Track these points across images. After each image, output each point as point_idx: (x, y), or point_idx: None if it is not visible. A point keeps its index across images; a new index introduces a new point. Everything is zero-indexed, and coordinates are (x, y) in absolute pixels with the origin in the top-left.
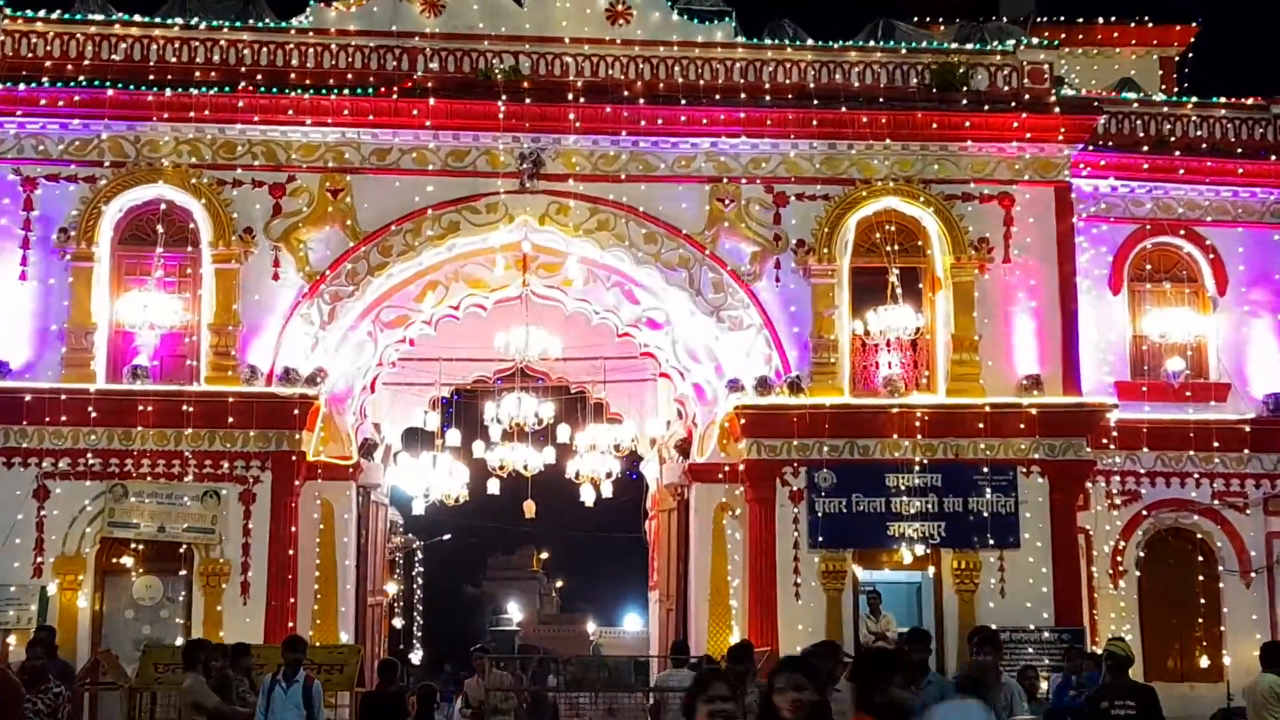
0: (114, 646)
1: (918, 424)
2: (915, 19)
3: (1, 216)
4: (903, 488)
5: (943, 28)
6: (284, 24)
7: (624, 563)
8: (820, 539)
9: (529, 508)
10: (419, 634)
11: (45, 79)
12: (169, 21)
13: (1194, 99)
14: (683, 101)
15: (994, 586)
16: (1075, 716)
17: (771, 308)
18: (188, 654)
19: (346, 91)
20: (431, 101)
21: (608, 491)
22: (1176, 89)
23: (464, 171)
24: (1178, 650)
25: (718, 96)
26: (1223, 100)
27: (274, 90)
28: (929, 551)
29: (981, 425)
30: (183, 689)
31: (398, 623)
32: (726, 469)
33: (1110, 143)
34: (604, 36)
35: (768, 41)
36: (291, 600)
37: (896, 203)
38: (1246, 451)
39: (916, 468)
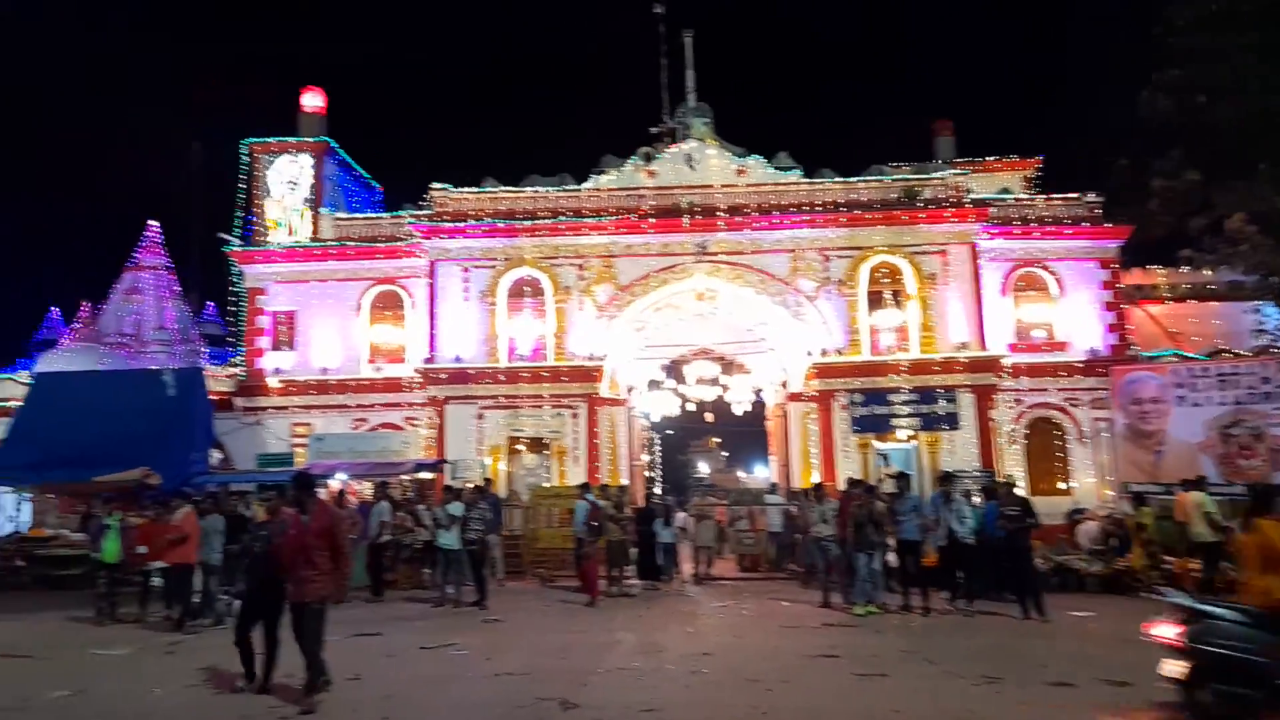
0: (517, 489)
1: (904, 368)
2: (890, 163)
3: (458, 285)
4: (897, 401)
5: (905, 166)
6: (579, 187)
7: (754, 441)
8: (856, 428)
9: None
10: (659, 480)
11: (469, 219)
12: (525, 189)
13: (1041, 195)
14: (774, 212)
15: (947, 449)
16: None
17: (825, 313)
18: (581, 487)
19: (612, 217)
20: (652, 219)
21: (746, 407)
22: (1031, 190)
23: (667, 253)
24: (1046, 480)
25: (792, 208)
26: (1055, 195)
27: (576, 218)
28: (913, 433)
29: (937, 367)
30: (576, 506)
31: (648, 474)
32: (806, 394)
33: (997, 219)
34: (735, 183)
35: (817, 180)
36: (596, 464)
37: (887, 257)
38: (1078, 376)
39: (905, 390)
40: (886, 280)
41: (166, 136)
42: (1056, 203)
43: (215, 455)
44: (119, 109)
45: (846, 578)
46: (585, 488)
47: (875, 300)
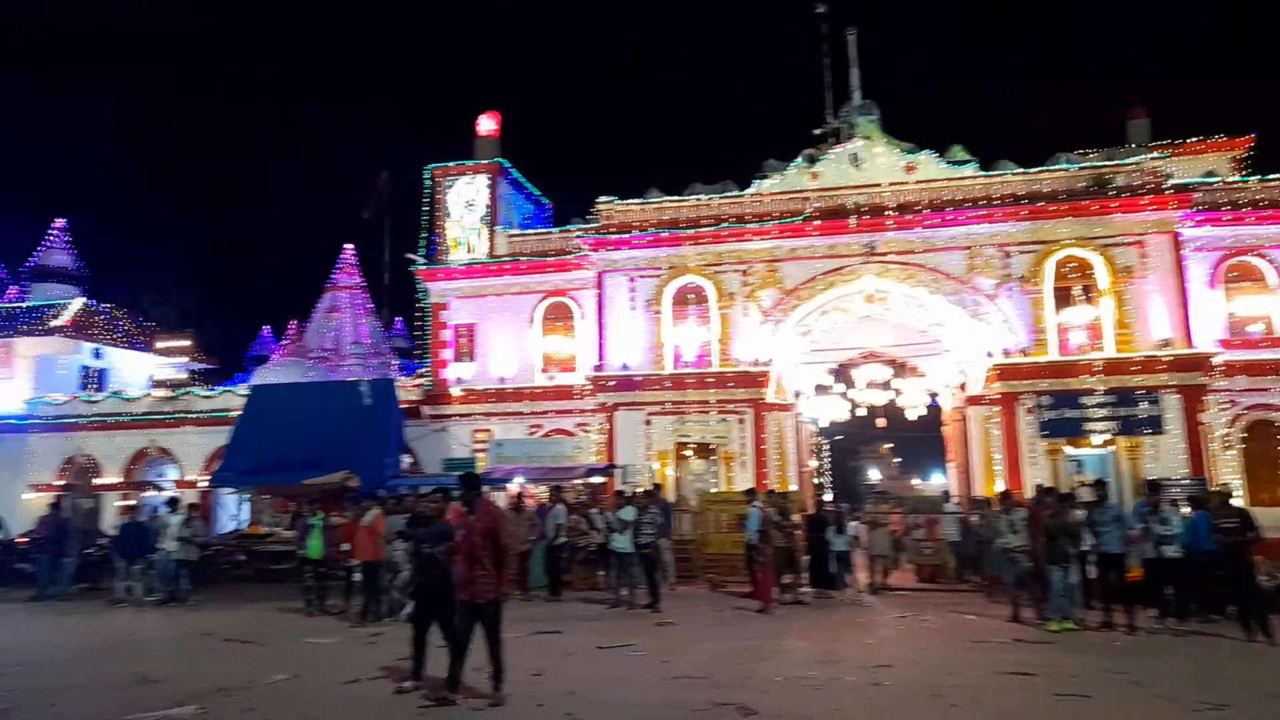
0: (685, 494)
1: (1097, 368)
2: (1076, 150)
3: (624, 295)
4: (1090, 403)
5: (1093, 154)
6: (741, 192)
7: (929, 447)
8: (1044, 433)
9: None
10: (829, 486)
11: (634, 230)
12: (688, 198)
13: (1255, 177)
14: (948, 208)
15: (1150, 455)
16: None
17: (1007, 312)
18: (748, 493)
19: (776, 221)
20: (817, 221)
21: (920, 411)
22: (1242, 172)
23: (833, 255)
24: (1267, 489)
25: (967, 203)
26: (1271, 176)
27: (739, 224)
28: (1110, 437)
29: (1135, 367)
30: (748, 512)
31: (817, 480)
32: (987, 398)
33: (1203, 205)
34: (904, 180)
35: (994, 173)
36: (764, 469)
37: (1075, 250)
38: None
39: (1099, 391)
40: (1075, 275)
41: (358, 166)
42: (1273, 184)
43: (406, 460)
44: (316, 145)
45: (1039, 592)
46: (751, 493)
47: (1063, 296)
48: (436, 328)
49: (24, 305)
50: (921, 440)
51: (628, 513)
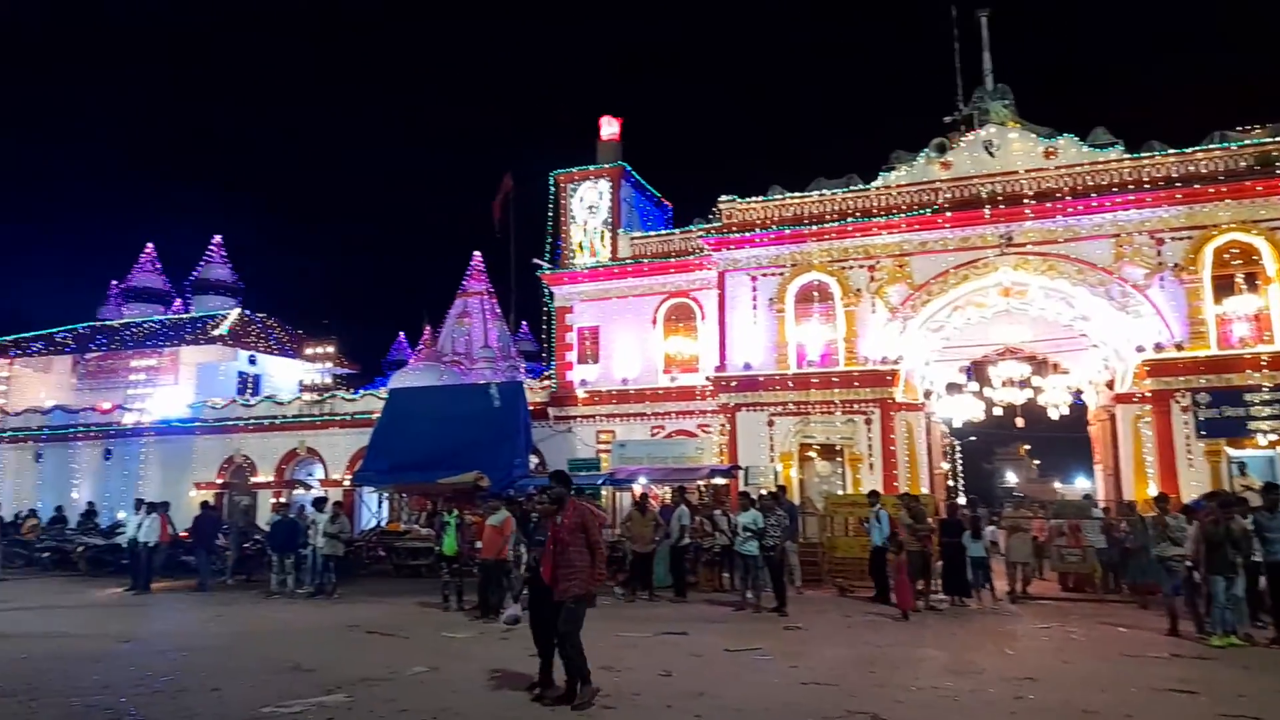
0: (810, 496)
1: (1264, 363)
2: (1236, 128)
3: (746, 294)
4: (1257, 401)
5: (1257, 129)
6: (867, 186)
7: (1072, 449)
8: (1203, 432)
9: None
10: (961, 488)
11: (756, 228)
12: (811, 194)
13: None
14: (1091, 195)
15: None
16: None
17: (1160, 303)
18: (871, 495)
19: (905, 214)
20: (949, 213)
21: (1063, 410)
22: None
23: (966, 248)
24: None
25: (1114, 188)
26: None
27: (865, 218)
28: (1278, 438)
29: None
30: (899, 513)
31: (950, 483)
32: (1137, 395)
33: None
34: (1043, 166)
35: (1143, 155)
36: (893, 471)
37: (1238, 235)
38: None
39: (1267, 388)
40: (1238, 262)
41: (483, 177)
42: None
43: (533, 460)
44: (443, 155)
45: (1200, 604)
46: (875, 496)
47: (1223, 286)
48: (561, 331)
49: (188, 316)
50: (1064, 441)
51: (749, 517)
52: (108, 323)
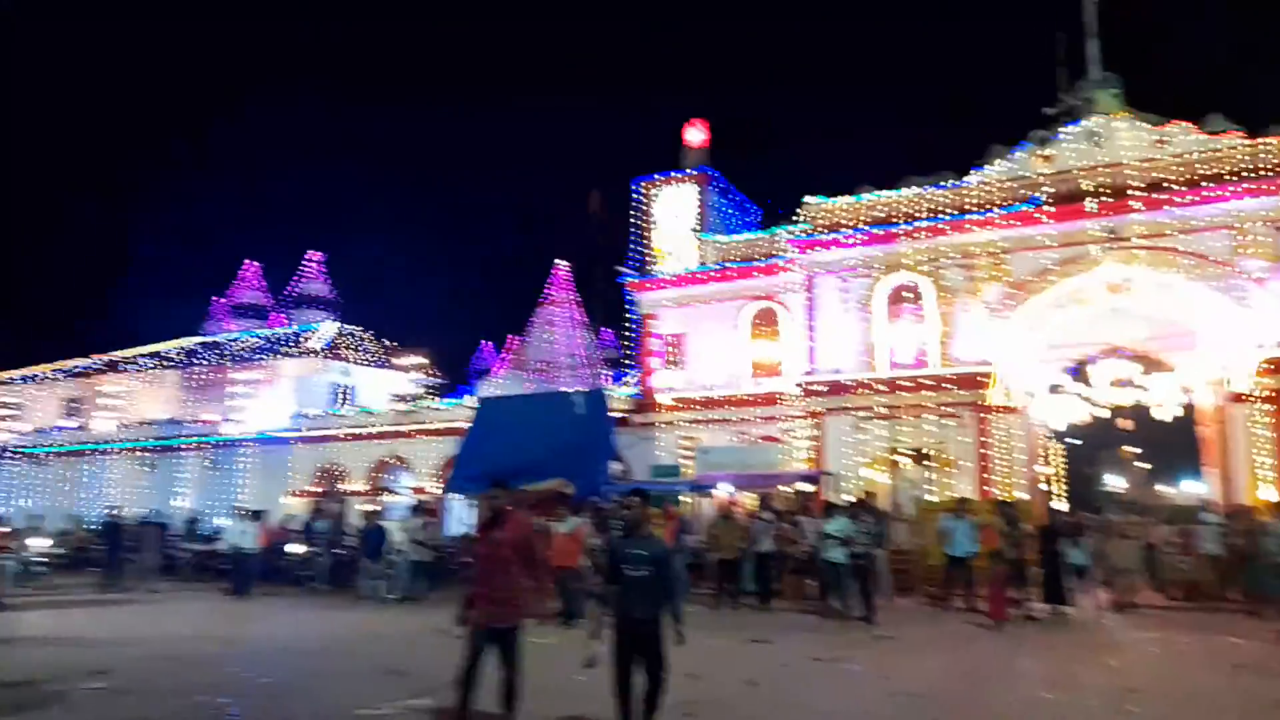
0: (900, 502)
1: None
2: None
3: (834, 296)
4: None
5: None
6: (961, 182)
7: (1183, 451)
8: None
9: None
10: (1064, 495)
11: (844, 229)
12: (900, 192)
13: None
14: (1206, 184)
15: None
16: None
17: None
18: (961, 502)
19: (1002, 209)
20: (1050, 207)
21: (1175, 411)
22: None
23: (1069, 243)
24: None
25: (1231, 177)
26: None
27: (959, 216)
28: None
29: None
30: (993, 519)
31: (1049, 489)
32: (1255, 394)
33: None
34: (1153, 156)
35: (1264, 140)
36: (986, 476)
37: None
38: None
39: None
40: None
41: (568, 185)
42: None
43: (616, 467)
44: (526, 164)
45: None
46: (963, 503)
47: None
48: (646, 337)
49: (286, 331)
50: (1173, 444)
51: (837, 524)
52: (212, 338)
